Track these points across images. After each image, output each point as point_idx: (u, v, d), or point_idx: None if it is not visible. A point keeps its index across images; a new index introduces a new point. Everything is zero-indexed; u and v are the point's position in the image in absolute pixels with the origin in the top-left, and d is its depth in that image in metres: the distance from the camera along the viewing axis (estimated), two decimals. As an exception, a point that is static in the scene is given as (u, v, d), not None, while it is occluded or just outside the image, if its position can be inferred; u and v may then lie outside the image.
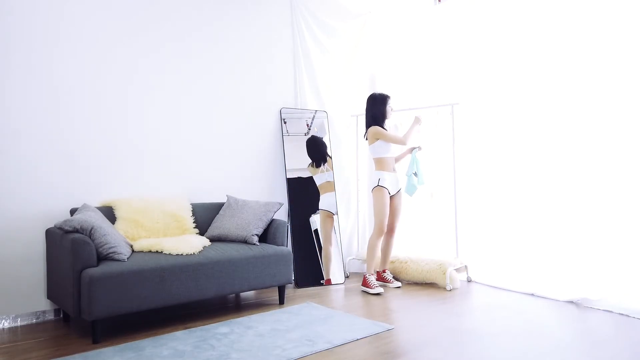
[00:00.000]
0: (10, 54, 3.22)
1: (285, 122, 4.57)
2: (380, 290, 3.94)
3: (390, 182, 4.12)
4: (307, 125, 4.67)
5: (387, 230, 4.19)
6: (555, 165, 3.83)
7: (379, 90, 5.11)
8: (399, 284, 4.22)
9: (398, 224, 4.29)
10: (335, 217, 4.57)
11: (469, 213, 4.41)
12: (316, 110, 4.74)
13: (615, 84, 3.50)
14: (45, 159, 3.34)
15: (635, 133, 3.42)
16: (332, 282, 4.34)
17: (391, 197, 4.16)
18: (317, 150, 4.64)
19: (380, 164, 4.12)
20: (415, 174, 4.27)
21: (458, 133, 4.39)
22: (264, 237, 3.77)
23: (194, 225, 3.69)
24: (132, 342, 2.77)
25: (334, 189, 4.62)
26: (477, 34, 4.36)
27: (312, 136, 4.65)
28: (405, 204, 4.83)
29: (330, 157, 4.70)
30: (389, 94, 4.24)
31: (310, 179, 4.58)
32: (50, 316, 3.32)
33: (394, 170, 4.18)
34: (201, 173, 4.08)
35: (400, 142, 4.09)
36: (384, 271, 4.30)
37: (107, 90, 3.61)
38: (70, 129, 3.44)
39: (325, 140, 4.73)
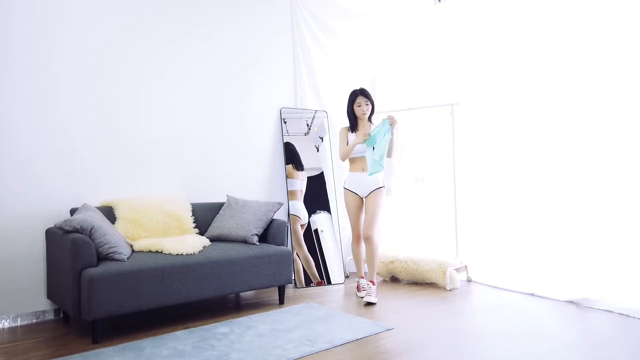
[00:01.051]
0: (10, 53, 3.22)
1: (285, 122, 4.57)
2: (363, 294, 3.80)
3: (359, 183, 3.81)
4: (307, 125, 4.67)
5: (363, 238, 3.80)
6: (555, 166, 3.83)
7: (379, 89, 5.13)
8: (364, 296, 3.68)
9: (374, 232, 3.73)
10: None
11: (469, 213, 4.41)
12: (316, 110, 4.74)
13: (615, 84, 3.50)
14: (46, 159, 3.34)
15: (635, 133, 3.42)
16: (332, 282, 4.34)
17: (365, 199, 3.85)
18: (295, 157, 4.54)
19: (350, 163, 3.95)
20: (374, 148, 3.70)
21: (458, 133, 4.39)
22: (264, 237, 3.77)
23: (194, 225, 3.69)
24: (132, 342, 2.78)
25: (300, 198, 4.49)
26: (477, 34, 4.36)
27: (291, 143, 4.55)
28: (405, 204, 4.84)
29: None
30: (361, 90, 3.88)
31: (311, 179, 4.57)
32: (50, 316, 3.32)
33: (363, 170, 3.81)
34: (201, 173, 4.08)
35: (340, 155, 3.90)
36: (361, 277, 3.97)
37: (107, 90, 3.61)
38: (70, 129, 3.44)
39: (326, 140, 4.74)
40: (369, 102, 3.87)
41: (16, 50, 3.24)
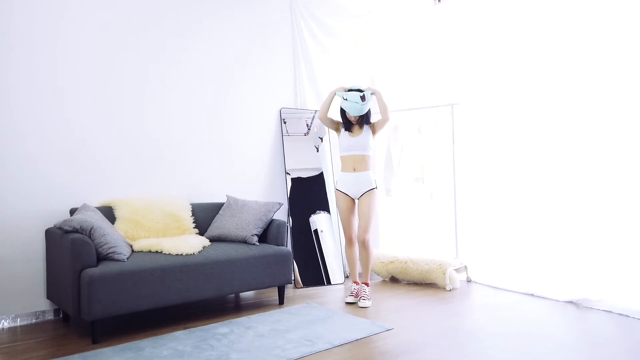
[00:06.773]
0: (13, 52, 3.23)
1: (285, 122, 4.57)
2: (349, 299, 3.68)
3: (350, 184, 3.69)
4: (307, 125, 4.67)
5: (359, 242, 3.70)
6: (555, 166, 3.83)
7: (379, 90, 5.11)
8: (358, 302, 3.62)
9: (369, 236, 3.66)
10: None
11: (469, 213, 4.40)
12: (316, 111, 4.74)
13: (615, 84, 3.50)
14: (46, 159, 3.34)
15: (635, 133, 3.42)
16: (332, 282, 4.33)
17: (358, 200, 3.73)
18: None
19: (341, 163, 3.80)
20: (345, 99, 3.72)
21: (458, 133, 4.39)
22: (263, 237, 3.76)
23: (193, 225, 3.69)
24: (132, 342, 2.77)
25: None
26: (476, 34, 4.36)
27: None
28: (405, 204, 4.83)
29: None
30: (349, 87, 3.80)
31: (310, 179, 4.58)
32: (49, 316, 3.32)
33: (354, 170, 3.68)
34: (201, 173, 4.08)
35: (320, 111, 3.96)
36: (356, 283, 3.80)
37: (107, 90, 3.61)
38: (70, 128, 3.44)
39: (325, 140, 4.74)
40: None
41: (19, 49, 3.24)
